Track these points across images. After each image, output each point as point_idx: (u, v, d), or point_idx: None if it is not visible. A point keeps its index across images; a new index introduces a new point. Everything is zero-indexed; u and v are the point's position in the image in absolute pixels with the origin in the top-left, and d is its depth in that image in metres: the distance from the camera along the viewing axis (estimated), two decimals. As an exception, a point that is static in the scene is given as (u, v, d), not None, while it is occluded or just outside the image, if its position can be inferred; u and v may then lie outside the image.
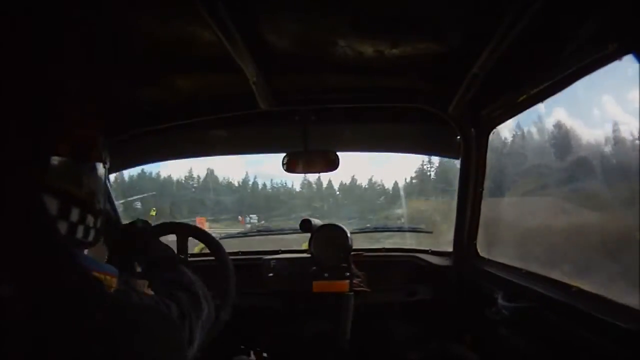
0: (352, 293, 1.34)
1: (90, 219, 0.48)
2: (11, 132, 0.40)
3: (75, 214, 0.46)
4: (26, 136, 0.42)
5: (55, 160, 0.44)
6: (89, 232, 0.48)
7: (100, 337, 0.37)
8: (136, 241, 0.93)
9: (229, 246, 1.40)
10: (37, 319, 0.35)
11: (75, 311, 0.37)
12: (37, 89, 0.43)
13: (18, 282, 0.36)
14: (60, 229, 0.44)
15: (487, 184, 1.25)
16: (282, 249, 1.57)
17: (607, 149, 0.94)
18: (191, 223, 1.37)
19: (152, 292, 0.62)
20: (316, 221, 1.43)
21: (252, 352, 1.53)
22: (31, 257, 0.38)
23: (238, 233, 2.00)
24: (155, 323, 0.43)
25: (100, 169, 0.51)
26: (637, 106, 0.70)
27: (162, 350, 0.42)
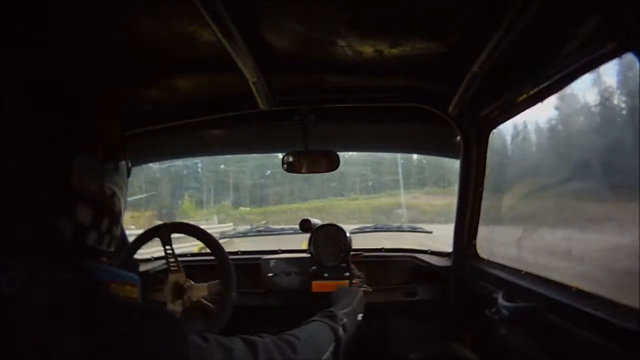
0: None
1: (115, 230, 0.48)
2: (31, 136, 0.40)
3: (105, 224, 0.46)
4: (49, 141, 0.42)
5: (82, 163, 0.44)
6: (112, 241, 0.48)
7: (102, 342, 0.37)
8: None
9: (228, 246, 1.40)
10: (39, 320, 0.36)
11: (78, 315, 0.37)
12: (53, 91, 0.43)
13: (21, 282, 0.36)
14: (90, 238, 0.44)
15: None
16: (282, 248, 1.57)
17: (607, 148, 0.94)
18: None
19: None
20: (316, 221, 1.43)
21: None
22: (37, 259, 0.38)
23: (238, 233, 2.00)
24: (161, 329, 0.42)
25: (125, 174, 0.51)
26: (638, 104, 0.70)
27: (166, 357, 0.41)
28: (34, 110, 0.41)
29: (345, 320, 0.84)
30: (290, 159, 1.30)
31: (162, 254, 1.52)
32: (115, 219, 0.48)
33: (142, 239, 1.30)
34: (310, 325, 0.77)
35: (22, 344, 0.35)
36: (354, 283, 1.35)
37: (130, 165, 0.52)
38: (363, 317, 1.02)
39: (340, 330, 0.80)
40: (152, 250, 1.53)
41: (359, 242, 1.47)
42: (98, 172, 0.45)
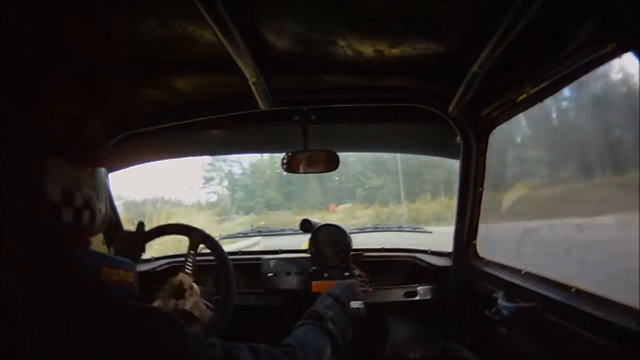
0: None
1: (94, 202, 0.47)
2: (10, 128, 0.40)
3: (79, 198, 0.45)
4: (24, 128, 0.41)
5: (55, 146, 0.43)
6: (94, 217, 0.47)
7: (100, 340, 0.37)
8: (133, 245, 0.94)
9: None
10: (40, 320, 0.35)
11: (78, 316, 0.37)
12: (34, 83, 0.43)
13: (21, 283, 0.36)
14: (66, 215, 0.44)
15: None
16: (282, 248, 1.57)
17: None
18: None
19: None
20: (316, 221, 1.43)
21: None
22: (35, 258, 0.38)
23: (238, 233, 2.00)
24: (163, 330, 0.42)
25: (101, 151, 0.50)
26: (637, 104, 0.70)
27: (163, 356, 0.41)
28: (12, 98, 0.41)
29: (330, 313, 0.82)
30: (290, 159, 1.30)
31: (162, 254, 1.51)
32: (94, 194, 0.47)
33: (170, 231, 1.29)
34: (300, 332, 0.75)
35: (22, 345, 0.35)
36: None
37: (109, 144, 0.52)
38: (363, 317, 1.02)
39: (330, 325, 0.78)
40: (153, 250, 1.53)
41: (359, 242, 1.47)
42: (68, 153, 0.45)
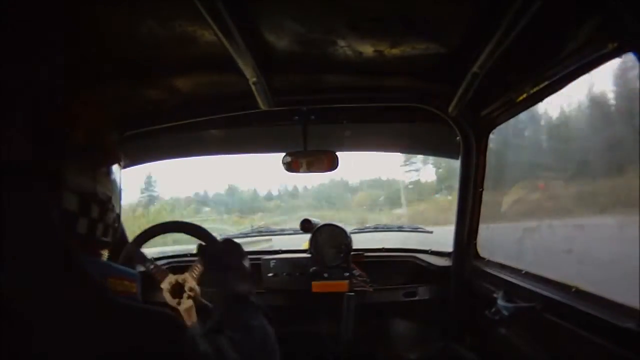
0: (352, 293, 1.34)
1: (109, 217, 0.48)
2: (21, 132, 0.40)
3: (95, 211, 0.45)
4: (39, 134, 0.41)
5: (72, 156, 0.44)
6: (108, 230, 0.48)
7: (100, 339, 0.37)
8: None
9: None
10: (40, 320, 0.36)
11: (78, 316, 0.37)
12: (44, 86, 0.43)
13: (21, 284, 0.36)
14: (81, 226, 0.44)
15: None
16: (282, 248, 1.57)
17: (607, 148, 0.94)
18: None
19: None
20: (316, 221, 1.43)
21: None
22: (37, 261, 0.38)
23: (239, 233, 2.00)
24: (162, 329, 0.42)
25: (116, 165, 0.50)
26: (637, 105, 0.70)
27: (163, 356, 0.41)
28: (21, 102, 0.41)
29: (246, 287, 0.75)
30: (289, 159, 1.30)
31: (161, 254, 1.51)
32: (110, 208, 0.47)
33: (155, 233, 1.28)
34: (251, 325, 0.69)
35: (22, 345, 0.35)
36: (355, 283, 1.35)
37: (124, 157, 0.52)
38: (363, 317, 1.02)
39: (257, 301, 0.73)
40: (153, 250, 1.53)
41: (359, 242, 1.47)
42: (85, 159, 0.45)
